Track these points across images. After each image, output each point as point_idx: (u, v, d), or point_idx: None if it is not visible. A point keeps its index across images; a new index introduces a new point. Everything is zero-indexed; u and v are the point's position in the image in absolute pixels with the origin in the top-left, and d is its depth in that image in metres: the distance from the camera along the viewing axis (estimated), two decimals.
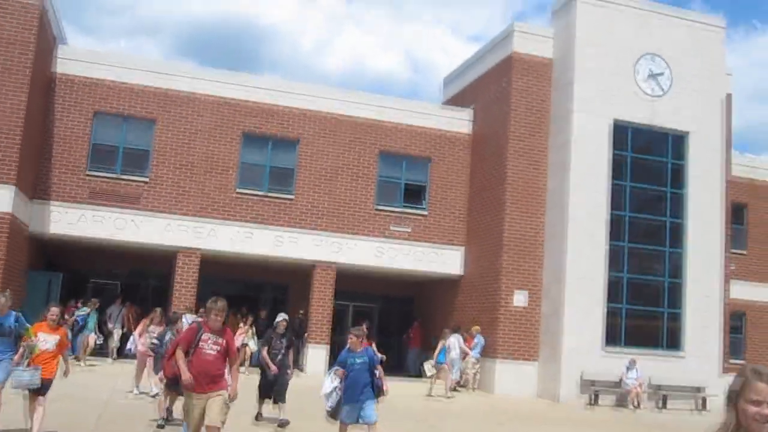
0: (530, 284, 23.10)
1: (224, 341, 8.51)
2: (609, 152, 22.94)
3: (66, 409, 12.20)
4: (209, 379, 8.32)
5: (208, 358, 8.34)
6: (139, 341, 15.28)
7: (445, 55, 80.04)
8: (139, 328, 15.78)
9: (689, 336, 23.09)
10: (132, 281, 26.75)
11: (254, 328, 22.69)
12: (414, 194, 25.62)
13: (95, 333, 21.10)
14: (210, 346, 8.37)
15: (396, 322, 28.33)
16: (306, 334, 23.84)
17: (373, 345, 14.45)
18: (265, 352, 13.15)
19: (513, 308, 22.94)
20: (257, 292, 27.81)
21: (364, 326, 14.18)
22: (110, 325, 22.95)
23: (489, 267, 23.74)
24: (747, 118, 74.85)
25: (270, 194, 24.03)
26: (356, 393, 9.94)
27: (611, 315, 22.47)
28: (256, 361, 21.99)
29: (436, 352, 21.29)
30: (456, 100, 27.60)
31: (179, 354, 8.42)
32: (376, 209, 24.92)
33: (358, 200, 24.75)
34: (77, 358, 19.83)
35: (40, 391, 9.80)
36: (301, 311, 24.77)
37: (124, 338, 22.72)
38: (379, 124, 25.18)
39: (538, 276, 23.20)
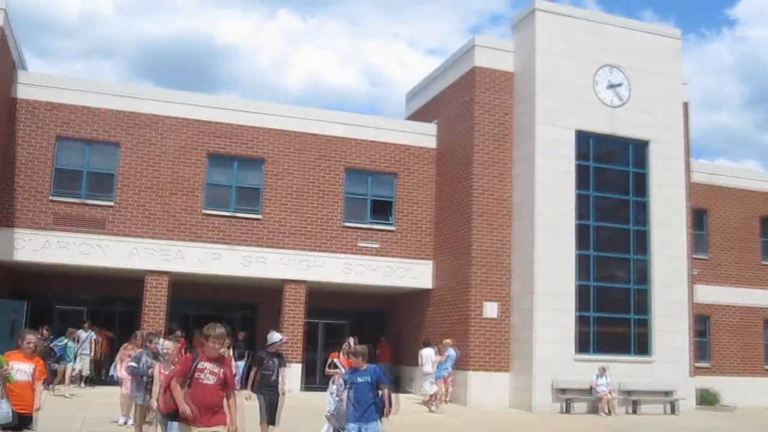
0: (500, 295, 23.28)
1: (222, 371, 8.01)
2: (573, 162, 23.26)
3: None
4: (209, 411, 7.82)
5: (206, 389, 7.86)
6: (120, 367, 14.89)
7: (403, 69, 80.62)
8: (120, 353, 15.43)
9: (657, 341, 23.42)
10: (99, 306, 26.44)
11: (233, 350, 22.42)
12: (381, 209, 25.72)
13: (74, 362, 20.64)
14: (207, 375, 7.89)
15: (367, 338, 28.21)
16: (247, 353, 23.81)
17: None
18: (253, 373, 12.60)
19: (484, 320, 23.08)
20: (227, 313, 27.61)
21: (352, 341, 14.22)
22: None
23: (458, 280, 23.89)
24: (699, 124, 76.38)
25: (237, 214, 23.96)
26: (359, 412, 9.49)
27: (581, 323, 22.72)
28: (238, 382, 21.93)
29: (435, 366, 21.45)
30: (419, 115, 27.81)
31: (174, 386, 7.88)
32: (344, 226, 24.96)
33: (326, 217, 24.78)
34: (53, 389, 19.40)
35: (19, 427, 8.98)
36: (241, 332, 24.78)
37: (95, 364, 22.52)
38: (344, 140, 25.26)
39: (508, 287, 23.40)
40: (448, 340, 22.77)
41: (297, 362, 23.67)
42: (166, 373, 9.67)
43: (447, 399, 22.33)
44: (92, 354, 22.20)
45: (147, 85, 36.89)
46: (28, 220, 22.07)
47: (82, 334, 22.61)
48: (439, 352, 22.38)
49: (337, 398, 10.11)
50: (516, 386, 22.59)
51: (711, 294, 27.52)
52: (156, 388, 10.18)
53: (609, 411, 21.71)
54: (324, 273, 24.45)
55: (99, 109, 23.01)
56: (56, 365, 20.06)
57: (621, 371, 22.48)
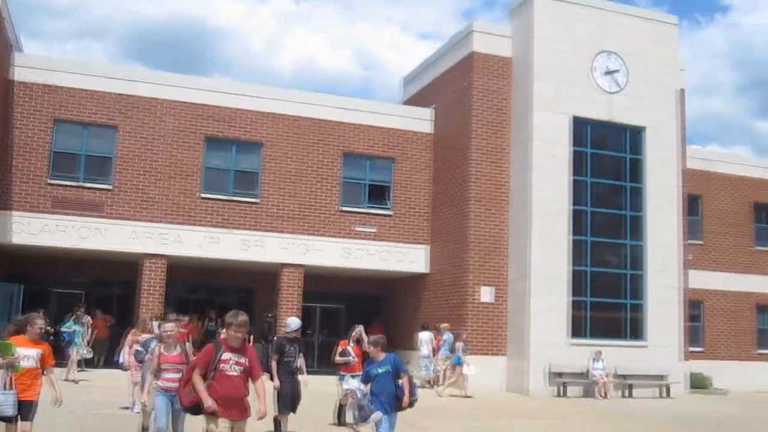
0: (496, 280, 23.45)
1: (247, 360, 7.65)
2: (569, 148, 23.38)
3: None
4: (234, 403, 7.50)
5: (232, 381, 7.50)
6: (129, 353, 14.55)
7: (396, 53, 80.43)
8: (129, 338, 15.16)
9: (651, 325, 23.66)
10: (96, 290, 26.47)
11: None
12: (378, 194, 25.80)
13: (82, 346, 20.34)
14: (232, 366, 7.53)
15: (364, 322, 28.28)
16: (275, 337, 23.80)
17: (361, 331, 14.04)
18: (275, 362, 12.07)
19: (480, 304, 23.26)
20: (223, 296, 27.71)
21: (359, 328, 14.12)
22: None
23: (455, 264, 24.03)
24: (692, 110, 76.59)
25: (235, 198, 24.00)
26: (386, 403, 9.24)
27: (576, 308, 22.91)
28: None
29: (452, 352, 21.60)
30: (416, 100, 27.85)
31: (196, 378, 7.51)
32: (341, 210, 25.05)
33: (324, 202, 24.85)
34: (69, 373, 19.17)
35: (20, 416, 8.48)
36: (270, 314, 24.74)
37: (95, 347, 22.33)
38: (341, 125, 25.30)
39: (504, 272, 23.56)
40: (445, 324, 22.95)
41: None
42: (168, 355, 9.47)
43: (444, 382, 22.49)
44: (88, 338, 22.13)
45: (138, 67, 36.65)
46: (26, 203, 22.05)
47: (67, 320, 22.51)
48: (436, 337, 22.56)
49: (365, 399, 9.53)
50: (512, 370, 22.80)
51: (704, 279, 27.74)
52: (151, 377, 9.60)
53: (604, 394, 21.97)
54: (321, 257, 24.56)
55: (96, 91, 22.95)
56: (68, 350, 19.81)
57: (615, 355, 22.72)
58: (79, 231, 22.33)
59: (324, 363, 22.59)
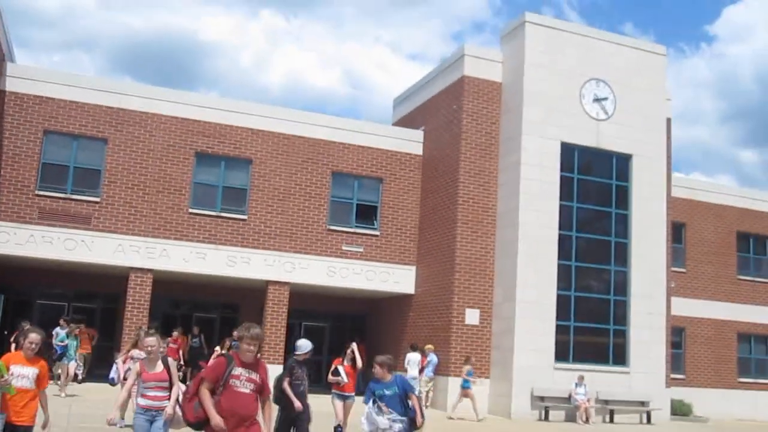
0: (482, 303, 23.55)
1: (259, 377, 7.20)
2: (557, 173, 23.59)
3: None
4: (241, 423, 7.02)
5: (241, 398, 7.05)
6: (122, 368, 14.27)
7: (384, 73, 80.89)
8: (123, 353, 14.97)
9: (634, 351, 23.79)
10: (80, 302, 26.32)
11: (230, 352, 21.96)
12: (366, 214, 25.90)
13: (75, 361, 20.10)
14: (243, 383, 7.07)
15: (343, 340, 28.42)
16: (258, 354, 23.74)
17: (355, 349, 13.77)
18: (287, 384, 11.58)
19: (465, 326, 23.33)
20: (208, 312, 27.64)
21: (354, 346, 13.95)
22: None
23: (441, 286, 24.12)
24: (675, 138, 77.35)
25: (223, 214, 24.02)
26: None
27: (560, 332, 23.02)
28: None
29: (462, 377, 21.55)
30: (406, 121, 28.03)
31: (204, 393, 7.04)
32: (329, 229, 25.11)
33: (311, 220, 24.91)
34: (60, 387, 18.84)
35: None
36: (236, 331, 24.65)
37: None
38: (331, 144, 25.42)
39: (489, 294, 23.67)
40: (430, 346, 23.00)
41: (278, 363, 23.74)
42: (150, 372, 8.81)
43: (427, 404, 22.51)
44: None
45: (129, 81, 36.50)
46: (13, 213, 21.96)
47: (60, 332, 22.31)
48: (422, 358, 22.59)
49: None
50: (495, 393, 22.84)
51: (687, 307, 27.98)
52: (125, 393, 9.25)
53: (586, 419, 22.04)
54: (308, 275, 24.58)
55: (87, 104, 22.95)
56: (57, 363, 19.41)
57: (599, 380, 22.83)
58: (65, 243, 22.25)
59: (310, 381, 22.48)
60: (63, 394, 18.81)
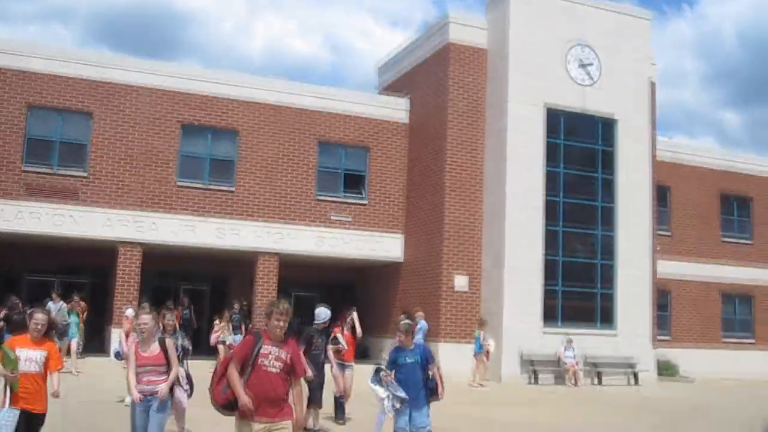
0: (470, 268, 23.76)
1: (289, 356, 6.79)
2: (543, 138, 23.70)
3: None
4: (272, 404, 6.62)
5: (271, 378, 6.64)
6: (126, 343, 14.03)
7: (366, 39, 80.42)
8: (126, 327, 14.79)
9: (621, 314, 24.14)
10: (69, 277, 26.24)
11: (230, 323, 21.48)
12: (353, 182, 25.96)
13: (78, 337, 19.88)
14: (272, 361, 6.67)
15: (337, 309, 28.58)
16: (251, 325, 23.85)
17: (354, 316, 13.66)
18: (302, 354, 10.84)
19: (454, 292, 23.56)
20: (197, 284, 27.68)
21: (354, 314, 13.72)
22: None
23: (429, 252, 24.29)
24: (657, 100, 77.39)
25: (211, 186, 24.01)
26: (416, 395, 8.63)
27: (548, 296, 23.31)
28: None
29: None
30: (391, 88, 27.98)
31: (232, 372, 6.65)
32: (317, 198, 25.17)
33: (299, 190, 24.95)
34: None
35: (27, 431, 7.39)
36: (245, 302, 24.75)
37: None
38: (316, 113, 25.38)
39: (478, 260, 23.87)
40: (420, 312, 23.15)
41: None
42: (145, 354, 8.15)
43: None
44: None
45: (110, 52, 35.95)
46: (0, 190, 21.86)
47: (52, 306, 22.25)
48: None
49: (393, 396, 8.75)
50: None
51: (672, 268, 28.28)
52: (133, 375, 8.18)
53: (575, 381, 22.39)
54: (297, 245, 24.67)
55: (71, 77, 22.76)
56: (58, 342, 19.39)
57: (586, 343, 23.17)
58: (53, 218, 22.19)
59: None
60: (74, 371, 18.45)
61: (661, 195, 28.41)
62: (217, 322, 20.98)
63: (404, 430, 8.70)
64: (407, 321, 9.45)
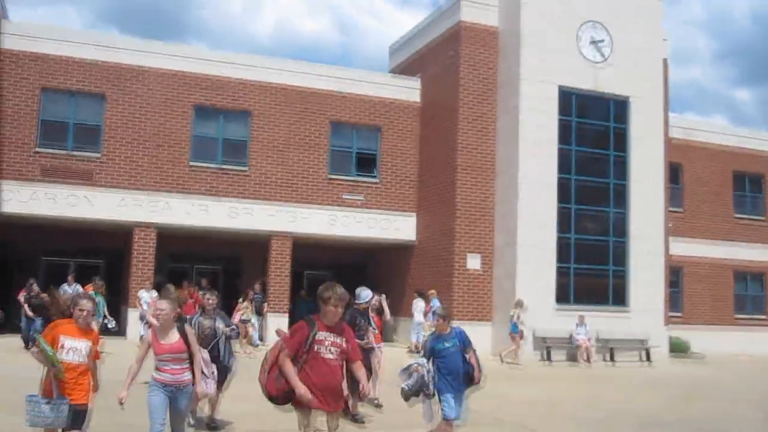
0: (483, 247, 23.84)
1: (345, 341, 6.58)
2: (555, 118, 23.67)
3: None
4: (332, 393, 6.46)
5: (328, 365, 6.44)
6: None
7: (375, 19, 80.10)
8: (152, 308, 14.66)
9: (633, 292, 24.18)
10: (85, 258, 26.47)
11: (251, 304, 21.86)
12: (365, 163, 26.03)
13: (106, 318, 19.60)
14: (328, 348, 6.46)
15: (349, 289, 28.71)
16: (265, 305, 24.05)
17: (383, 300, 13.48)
18: None
19: (467, 271, 23.66)
20: (210, 264, 27.85)
21: (383, 297, 13.45)
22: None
23: (442, 232, 24.37)
24: (670, 78, 76.90)
25: (224, 167, 24.12)
26: (458, 382, 8.45)
27: (561, 275, 23.37)
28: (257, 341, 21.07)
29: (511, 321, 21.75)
30: (403, 69, 27.97)
31: (286, 362, 6.41)
32: (329, 179, 25.26)
33: (311, 170, 25.03)
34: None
35: (71, 426, 6.77)
36: (257, 283, 24.94)
37: None
38: (328, 94, 25.41)
39: (491, 239, 23.94)
40: (432, 292, 23.31)
41: (283, 313, 24.14)
42: (163, 344, 7.32)
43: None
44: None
45: (122, 35, 35.95)
46: (14, 172, 22.03)
47: (67, 288, 22.35)
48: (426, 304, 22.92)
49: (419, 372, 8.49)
50: (498, 336, 23.22)
51: (684, 247, 28.28)
52: (137, 366, 7.31)
53: (587, 359, 22.48)
54: (309, 225, 24.79)
55: (84, 60, 22.86)
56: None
57: (599, 321, 23.22)
58: (67, 199, 22.36)
59: None
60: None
61: (673, 173, 28.36)
62: (240, 300, 21.16)
63: (447, 417, 8.36)
64: (444, 307, 9.25)
